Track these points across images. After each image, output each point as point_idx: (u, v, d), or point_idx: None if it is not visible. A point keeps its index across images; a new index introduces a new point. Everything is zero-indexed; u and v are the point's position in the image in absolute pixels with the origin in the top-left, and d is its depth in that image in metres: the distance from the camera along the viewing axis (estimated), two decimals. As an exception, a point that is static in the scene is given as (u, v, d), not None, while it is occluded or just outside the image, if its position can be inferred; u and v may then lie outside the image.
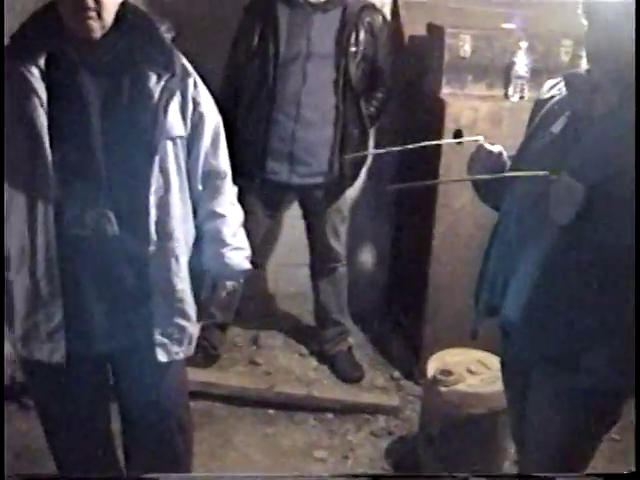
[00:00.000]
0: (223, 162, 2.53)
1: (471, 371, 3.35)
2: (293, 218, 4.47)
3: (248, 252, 2.65)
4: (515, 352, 2.53)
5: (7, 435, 3.52)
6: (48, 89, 2.23)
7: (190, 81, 2.38)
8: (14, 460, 3.44)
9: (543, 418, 2.41)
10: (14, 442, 3.54)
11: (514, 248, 2.39)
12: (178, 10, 4.16)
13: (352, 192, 4.26)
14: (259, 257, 4.01)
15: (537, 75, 3.76)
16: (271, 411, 3.91)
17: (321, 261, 4.21)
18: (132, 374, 2.60)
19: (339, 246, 4.20)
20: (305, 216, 4.19)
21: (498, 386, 2.98)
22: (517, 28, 3.92)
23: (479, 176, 2.47)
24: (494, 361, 3.26)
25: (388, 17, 4.19)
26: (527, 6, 4.14)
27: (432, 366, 3.42)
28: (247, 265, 2.63)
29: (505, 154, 2.48)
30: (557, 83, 2.45)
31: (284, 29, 3.75)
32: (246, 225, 2.70)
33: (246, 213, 2.73)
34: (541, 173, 2.20)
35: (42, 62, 2.24)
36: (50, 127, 2.22)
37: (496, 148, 2.47)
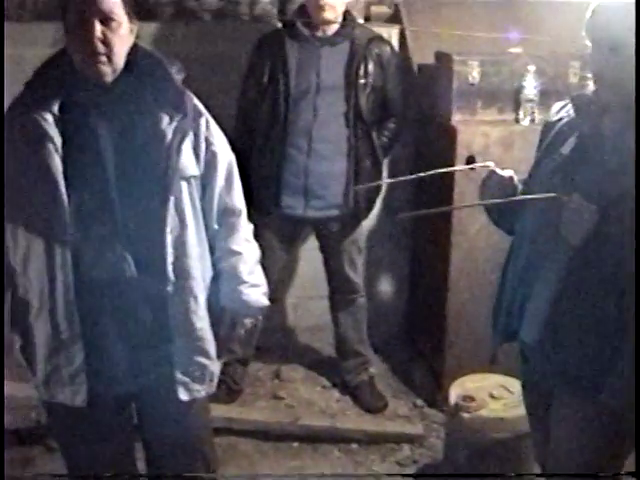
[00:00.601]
0: (237, 200, 2.54)
1: (493, 396, 3.34)
2: (310, 250, 4.48)
3: (265, 288, 2.65)
4: (535, 375, 2.53)
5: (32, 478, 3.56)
6: (62, 134, 2.25)
7: (202, 121, 2.40)
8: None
9: (567, 439, 2.41)
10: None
11: (529, 271, 2.40)
12: (188, 50, 4.22)
13: (368, 223, 4.27)
14: (277, 291, 4.03)
15: (547, 98, 3.78)
16: (295, 444, 3.90)
17: (340, 293, 4.22)
18: (155, 413, 2.60)
19: (357, 277, 4.20)
20: (322, 248, 4.19)
21: (521, 410, 2.97)
22: (524, 52, 3.94)
23: (490, 201, 2.49)
24: (516, 385, 3.25)
25: (396, 47, 4.22)
26: (534, 29, 4.16)
27: (454, 393, 3.41)
28: (265, 301, 2.63)
29: (516, 178, 2.49)
30: (565, 105, 2.46)
31: (293, 64, 3.77)
32: (263, 260, 2.70)
33: (263, 248, 2.73)
34: (552, 195, 2.22)
35: (56, 108, 2.26)
36: (65, 172, 2.24)
37: (507, 173, 2.48)
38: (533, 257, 2.37)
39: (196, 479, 2.69)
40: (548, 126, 2.50)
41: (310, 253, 4.50)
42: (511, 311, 2.47)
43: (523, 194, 2.42)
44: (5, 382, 3.96)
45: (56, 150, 2.24)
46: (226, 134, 2.54)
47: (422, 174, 2.76)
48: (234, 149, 2.56)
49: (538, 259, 2.35)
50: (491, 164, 2.52)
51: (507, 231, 2.61)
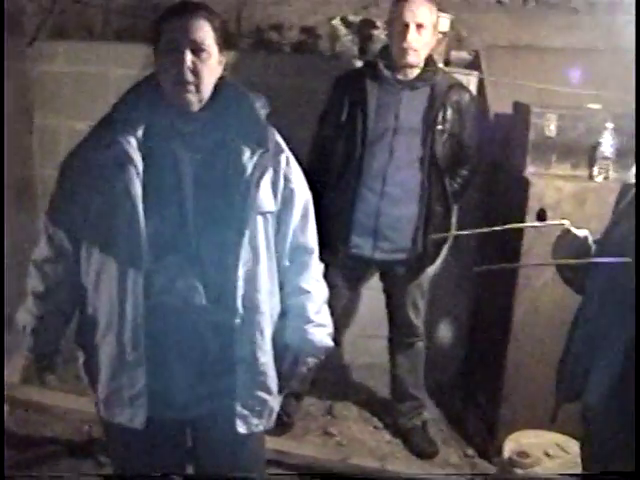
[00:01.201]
0: (311, 238, 2.55)
1: (548, 454, 3.29)
2: (370, 290, 4.47)
3: (331, 329, 2.65)
4: (596, 438, 2.49)
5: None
6: (144, 159, 2.29)
7: (282, 157, 2.42)
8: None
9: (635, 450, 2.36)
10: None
11: (597, 333, 2.37)
12: (266, 80, 4.27)
13: (433, 268, 4.24)
14: (337, 329, 4.02)
15: (623, 156, 3.75)
16: (343, 483, 3.89)
17: (400, 335, 4.20)
18: (210, 442, 2.61)
19: (418, 321, 4.19)
20: (385, 290, 4.19)
21: (576, 471, 2.94)
22: (603, 108, 3.91)
23: (564, 259, 2.47)
24: (572, 445, 3.22)
25: (474, 95, 4.23)
26: (613, 85, 4.14)
27: (508, 447, 3.37)
28: (329, 342, 2.63)
29: (591, 238, 2.47)
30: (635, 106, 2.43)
31: (373, 105, 3.76)
32: (329, 300, 2.71)
33: (329, 287, 2.74)
34: (626, 260, 2.19)
35: (140, 133, 2.30)
36: (145, 197, 2.27)
37: (582, 232, 2.47)
38: (602, 319, 2.35)
39: None
40: (627, 188, 2.48)
41: (370, 292, 4.50)
42: (575, 373, 2.45)
43: (596, 255, 2.40)
44: (60, 394, 4.04)
45: (137, 175, 2.27)
46: (304, 170, 2.55)
47: (495, 228, 2.74)
48: (309, 184, 2.57)
49: (607, 322, 2.32)
50: (566, 222, 2.50)
51: (577, 291, 2.58)
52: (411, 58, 3.70)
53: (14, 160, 4.04)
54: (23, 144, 4.35)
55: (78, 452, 3.89)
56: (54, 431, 4.07)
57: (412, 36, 3.65)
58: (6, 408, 4.06)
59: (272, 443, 3.76)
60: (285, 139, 2.50)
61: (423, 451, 4.18)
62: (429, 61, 3.81)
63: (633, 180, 2.46)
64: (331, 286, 3.48)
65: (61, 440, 3.98)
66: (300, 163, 2.55)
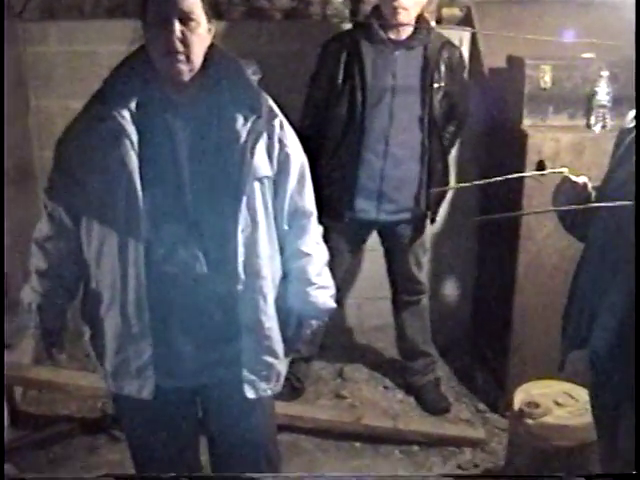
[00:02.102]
0: (309, 201, 2.55)
1: (558, 403, 3.32)
2: (371, 252, 4.49)
3: (333, 291, 2.66)
4: (604, 384, 2.51)
5: (96, 465, 3.61)
6: (138, 131, 2.28)
7: (276, 122, 2.41)
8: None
9: (635, 450, 2.38)
10: (103, 472, 3.61)
11: (600, 280, 2.38)
12: (258, 49, 4.26)
13: (434, 224, 4.26)
14: (341, 292, 4.03)
15: (619, 104, 3.75)
16: (357, 444, 3.91)
17: (405, 294, 4.21)
18: (220, 409, 2.63)
19: (423, 277, 4.21)
20: (388, 251, 4.19)
21: (586, 418, 2.97)
22: (597, 57, 3.90)
23: (564, 207, 2.47)
24: (581, 393, 3.25)
25: (466, 51, 4.22)
26: (608, 34, 4.12)
27: (518, 398, 3.39)
28: (332, 304, 2.65)
29: (590, 185, 2.47)
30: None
31: (369, 65, 3.74)
32: (331, 263, 2.71)
33: (331, 251, 2.74)
34: (628, 203, 2.19)
35: (133, 105, 2.30)
36: (141, 168, 2.27)
37: (581, 179, 2.47)
38: (605, 265, 2.35)
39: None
40: (623, 133, 2.47)
41: (372, 254, 4.52)
42: (581, 319, 2.46)
43: (597, 201, 2.40)
44: (72, 372, 4.07)
45: (132, 147, 2.27)
46: (297, 133, 2.54)
47: (496, 179, 2.75)
48: (304, 149, 2.57)
49: (610, 268, 2.33)
50: (565, 170, 2.50)
51: (579, 238, 2.59)
52: (402, 17, 3.67)
53: (12, 142, 4.03)
54: (20, 126, 4.34)
55: (92, 428, 3.92)
56: (67, 409, 4.11)
57: None
58: (19, 389, 4.09)
59: (284, 408, 3.82)
60: (279, 105, 2.48)
61: (436, 407, 4.20)
62: (421, 20, 3.79)
63: (630, 125, 2.46)
64: (335, 251, 3.52)
65: (75, 417, 4.02)
66: (294, 128, 2.54)
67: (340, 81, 3.79)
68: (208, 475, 2.85)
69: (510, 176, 2.81)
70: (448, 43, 3.87)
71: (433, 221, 4.13)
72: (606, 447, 2.61)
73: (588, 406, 2.75)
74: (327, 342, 4.36)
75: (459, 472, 3.71)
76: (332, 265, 2.76)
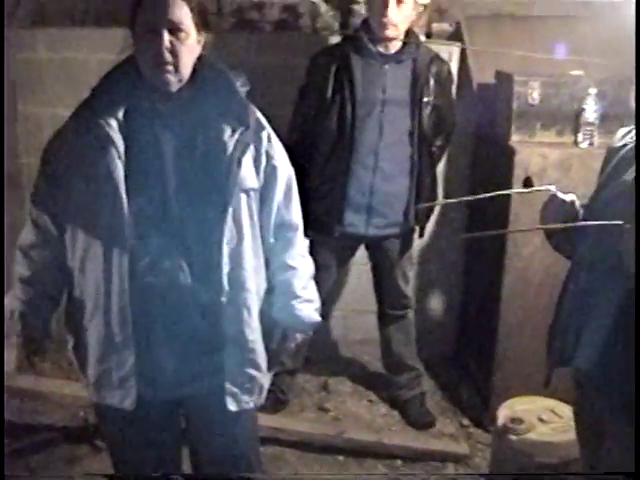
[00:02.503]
0: (295, 215, 2.55)
1: (542, 420, 3.31)
2: (357, 265, 4.48)
3: (318, 304, 2.66)
4: (589, 402, 2.50)
5: (78, 475, 3.60)
6: (125, 141, 2.28)
7: (264, 134, 2.41)
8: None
9: (616, 468, 2.38)
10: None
11: (587, 297, 2.38)
12: (248, 60, 4.26)
13: (422, 239, 4.26)
14: (327, 305, 4.02)
15: (607, 121, 3.77)
16: (341, 457, 3.89)
17: (391, 308, 4.20)
18: (202, 421, 2.62)
19: (409, 291, 4.21)
20: (375, 265, 4.18)
21: (570, 435, 2.95)
22: (586, 75, 3.91)
23: (552, 225, 2.48)
24: (565, 410, 3.24)
25: (455, 66, 4.24)
26: (595, 53, 4.14)
27: (502, 414, 3.38)
28: (317, 317, 2.64)
29: (578, 203, 2.48)
30: (630, 131, 2.44)
31: (359, 78, 3.73)
32: (318, 277, 2.71)
33: (318, 265, 2.74)
34: (617, 223, 2.19)
35: (120, 114, 2.29)
36: (126, 178, 2.26)
37: (569, 197, 2.47)
38: (592, 284, 2.35)
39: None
40: (612, 152, 2.47)
41: (357, 267, 4.51)
42: (567, 336, 2.46)
43: (584, 219, 2.40)
44: (55, 380, 4.05)
45: (119, 156, 2.26)
46: (285, 146, 2.54)
47: (483, 195, 2.75)
48: (291, 162, 2.56)
49: (597, 286, 2.33)
50: (552, 188, 2.50)
51: (566, 256, 2.59)
52: (391, 32, 3.68)
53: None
54: (8, 132, 4.33)
55: (74, 438, 3.90)
56: (50, 418, 4.08)
57: (392, 10, 3.63)
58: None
59: (268, 420, 3.81)
60: (267, 117, 2.48)
61: (421, 421, 4.20)
62: (410, 34, 3.79)
63: (618, 144, 2.46)
64: (322, 265, 3.52)
65: (57, 427, 3.99)
66: (282, 140, 2.53)
67: (329, 94, 3.77)
68: (202, 474, 2.83)
69: (498, 192, 2.81)
70: (437, 57, 3.87)
71: (422, 235, 4.13)
72: (589, 465, 2.61)
73: (572, 423, 2.74)
74: (312, 355, 4.34)
75: (442, 488, 3.72)
76: (319, 279, 2.76)
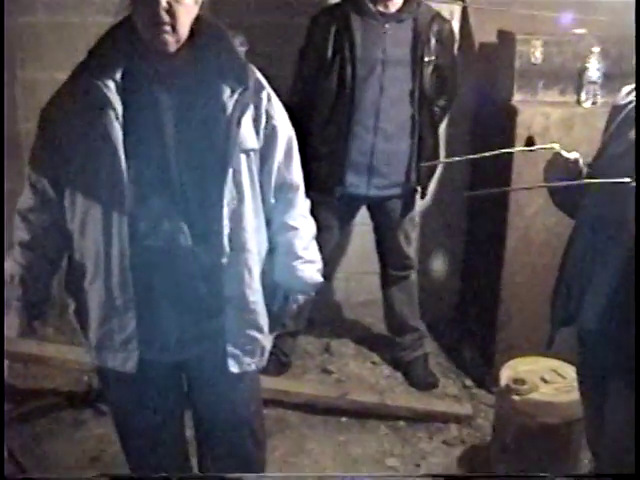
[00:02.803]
0: (296, 175, 2.52)
1: (545, 380, 3.32)
2: (359, 226, 4.47)
3: (320, 265, 2.64)
4: (592, 361, 2.51)
5: (82, 439, 3.59)
6: (123, 102, 2.25)
7: (264, 94, 2.38)
8: (90, 463, 3.52)
9: (621, 426, 2.37)
10: (89, 446, 3.64)
11: (591, 256, 2.37)
12: (247, 19, 4.21)
13: (424, 200, 4.24)
14: (329, 267, 4.02)
15: (610, 80, 3.74)
16: (343, 419, 3.91)
17: (394, 269, 4.20)
18: (205, 383, 2.62)
19: (412, 252, 4.20)
20: (376, 225, 4.18)
21: (573, 395, 2.97)
22: (589, 33, 3.88)
23: (556, 183, 2.46)
24: (568, 370, 3.25)
25: (456, 26, 4.19)
26: (599, 10, 4.10)
27: (505, 375, 3.39)
28: (319, 278, 2.62)
29: (582, 161, 2.46)
30: (634, 88, 2.42)
31: (359, 38, 3.71)
32: (319, 238, 2.70)
33: (320, 226, 2.72)
34: (623, 180, 2.17)
35: (118, 76, 2.26)
36: (125, 140, 2.25)
37: (572, 155, 2.45)
38: (596, 242, 2.34)
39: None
40: (616, 109, 2.46)
41: (360, 229, 4.49)
42: (570, 296, 2.45)
43: (588, 177, 2.38)
44: (58, 345, 4.05)
45: (117, 117, 2.24)
46: (286, 107, 2.51)
47: (485, 154, 2.73)
48: (293, 122, 2.54)
49: (600, 244, 2.32)
50: (556, 146, 2.48)
51: (570, 214, 2.58)
52: (390, -11, 3.65)
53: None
54: (6, 97, 4.30)
55: (78, 402, 3.91)
56: (53, 383, 4.09)
57: None
58: (5, 363, 4.06)
59: (271, 383, 3.82)
60: (267, 77, 2.46)
61: (424, 382, 4.21)
62: (410, -7, 3.76)
63: (623, 102, 2.44)
64: (324, 226, 3.51)
65: (61, 391, 4.00)
66: (282, 101, 2.51)
67: (329, 55, 3.75)
68: (202, 475, 2.84)
69: (501, 151, 2.79)
70: (438, 16, 3.84)
71: (423, 196, 4.11)
72: (593, 424, 2.62)
73: (575, 383, 2.75)
74: (314, 317, 4.35)
75: (444, 448, 3.72)
76: (321, 240, 2.75)
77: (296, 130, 2.54)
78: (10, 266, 2.48)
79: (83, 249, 2.37)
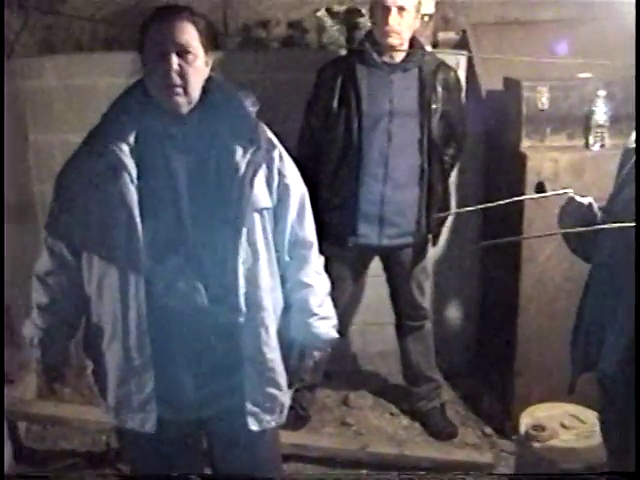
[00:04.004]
0: (309, 232, 2.54)
1: (565, 426, 3.29)
2: (373, 277, 4.46)
3: (335, 321, 2.64)
4: (615, 406, 2.49)
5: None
6: (137, 165, 2.29)
7: (275, 153, 2.40)
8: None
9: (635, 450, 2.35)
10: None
11: (609, 301, 2.37)
12: (256, 78, 4.26)
13: (436, 249, 4.25)
14: (344, 319, 4.02)
15: (617, 122, 3.76)
16: (364, 471, 3.87)
17: (408, 319, 4.19)
18: (224, 441, 2.62)
19: (425, 302, 4.20)
20: (389, 276, 4.17)
21: (593, 440, 2.95)
22: (594, 76, 3.90)
23: (570, 229, 2.47)
24: (587, 414, 3.23)
25: (462, 74, 4.24)
26: (603, 53, 4.12)
27: (524, 422, 3.37)
28: (334, 334, 2.62)
29: (595, 206, 2.47)
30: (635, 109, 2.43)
31: (365, 89, 3.74)
32: (334, 290, 2.70)
33: (335, 278, 2.73)
34: (633, 225, 2.18)
35: (132, 139, 2.30)
36: (140, 202, 2.27)
37: (586, 200, 2.46)
38: (612, 286, 2.34)
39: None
40: (628, 153, 2.47)
41: (373, 280, 4.49)
42: (590, 341, 2.45)
43: (603, 222, 2.39)
44: (76, 406, 4.05)
45: (131, 180, 2.27)
46: (296, 162, 2.53)
47: (497, 203, 2.74)
48: (301, 174, 2.55)
49: (618, 289, 2.32)
50: (570, 191, 2.49)
51: (585, 259, 2.58)
52: (394, 40, 3.69)
53: (13, 178, 4.04)
54: (20, 161, 4.35)
55: (97, 463, 3.90)
56: (72, 444, 4.08)
57: (394, 19, 3.65)
58: (23, 425, 4.06)
59: (290, 437, 3.79)
60: (277, 134, 2.48)
61: (442, 432, 4.18)
62: (414, 43, 3.80)
63: (633, 145, 2.46)
64: (338, 278, 3.51)
65: (80, 452, 3.99)
66: (292, 157, 2.53)
67: (336, 106, 3.79)
68: (213, 474, 2.82)
69: (513, 199, 2.80)
70: (443, 64, 3.88)
71: (435, 244, 4.13)
72: (617, 469, 2.59)
73: (595, 428, 2.74)
74: (331, 369, 4.33)
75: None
76: (335, 292, 2.75)
77: (306, 182, 2.56)
78: (29, 329, 2.50)
79: (100, 311, 2.39)
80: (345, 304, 4.05)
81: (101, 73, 4.27)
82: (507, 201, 2.72)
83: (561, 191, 2.57)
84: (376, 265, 4.22)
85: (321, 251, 2.63)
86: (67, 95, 4.38)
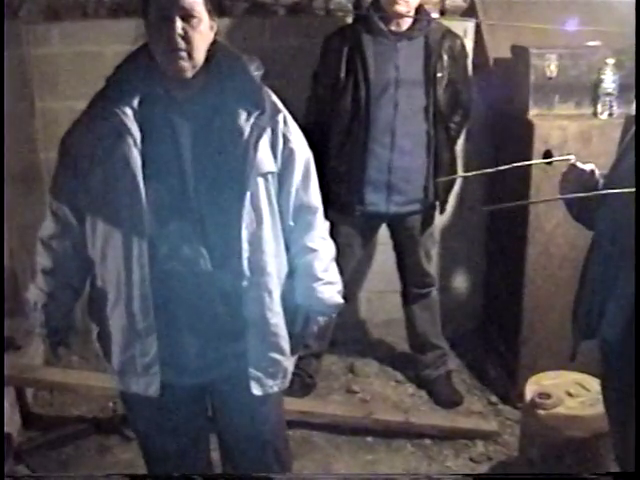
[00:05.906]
0: (314, 197, 2.52)
1: (570, 394, 3.30)
2: (380, 245, 4.48)
3: (340, 286, 2.64)
4: (616, 374, 2.49)
5: (108, 466, 3.60)
6: (141, 129, 2.28)
7: (280, 117, 2.39)
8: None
9: (635, 450, 2.36)
10: (116, 472, 3.60)
11: (610, 268, 2.36)
12: (262, 44, 4.25)
13: (442, 216, 4.25)
14: (351, 287, 4.02)
15: (626, 91, 3.72)
16: (369, 438, 3.90)
17: (415, 287, 4.20)
18: (228, 406, 2.63)
19: (432, 270, 4.21)
20: (397, 243, 4.18)
21: (598, 408, 2.94)
22: (603, 45, 3.87)
23: (572, 195, 2.46)
24: (593, 383, 3.23)
25: (470, 42, 4.22)
26: (613, 22, 4.09)
27: (530, 390, 3.38)
28: (339, 300, 2.62)
29: (597, 172, 2.46)
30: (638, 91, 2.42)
31: (371, 57, 3.74)
32: (340, 258, 2.70)
33: (341, 246, 2.72)
34: (633, 190, 2.17)
35: (136, 103, 2.29)
36: (144, 166, 2.27)
37: (588, 166, 2.45)
38: (614, 254, 2.33)
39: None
40: (630, 120, 2.46)
41: (381, 247, 4.50)
42: (592, 309, 2.44)
43: (604, 189, 2.38)
44: (83, 372, 4.07)
45: (135, 144, 2.27)
46: (302, 129, 2.52)
47: (503, 167, 2.73)
48: (309, 144, 2.54)
49: (620, 256, 2.31)
50: (572, 158, 2.48)
51: (588, 226, 2.57)
52: (400, 7, 3.67)
53: (19, 145, 4.04)
54: (26, 128, 4.34)
55: (104, 428, 3.92)
56: (79, 410, 4.11)
57: None
58: (30, 391, 4.09)
59: (296, 404, 3.81)
60: (282, 100, 2.47)
61: (448, 400, 4.19)
62: (420, 11, 3.79)
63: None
64: (345, 245, 3.52)
65: (86, 418, 4.01)
66: (299, 123, 2.51)
67: (343, 75, 3.79)
68: (219, 474, 2.84)
69: (517, 164, 2.78)
70: (449, 32, 3.86)
71: (442, 211, 4.12)
72: (619, 437, 2.60)
73: (600, 396, 2.73)
74: (337, 337, 4.36)
75: (471, 465, 3.70)
76: (342, 259, 2.75)
77: (313, 151, 2.54)
78: (33, 293, 2.51)
79: (104, 275, 2.39)
80: (352, 271, 4.05)
81: (108, 40, 4.25)
82: (510, 166, 2.70)
83: (563, 157, 2.56)
84: (383, 233, 4.23)
85: (328, 218, 2.62)
86: (74, 62, 4.37)
